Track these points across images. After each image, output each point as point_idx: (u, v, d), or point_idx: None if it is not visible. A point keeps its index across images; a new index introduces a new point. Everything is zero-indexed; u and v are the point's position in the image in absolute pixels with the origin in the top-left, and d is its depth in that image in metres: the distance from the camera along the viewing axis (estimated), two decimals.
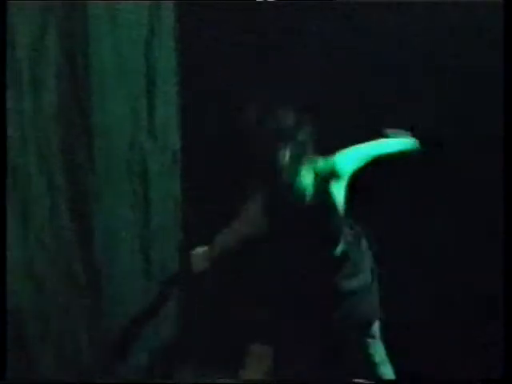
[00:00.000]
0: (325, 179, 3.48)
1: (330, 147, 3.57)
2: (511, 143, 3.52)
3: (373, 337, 3.76)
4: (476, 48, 4.02)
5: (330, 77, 4.17)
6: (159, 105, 4.14)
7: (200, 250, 3.97)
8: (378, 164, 3.71)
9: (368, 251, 3.72)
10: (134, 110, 3.99)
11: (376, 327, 3.76)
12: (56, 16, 3.49)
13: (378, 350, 3.78)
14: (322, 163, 3.51)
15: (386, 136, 3.85)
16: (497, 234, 3.69)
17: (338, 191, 3.50)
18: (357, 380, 3.75)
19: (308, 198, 3.45)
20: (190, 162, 4.36)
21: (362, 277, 3.64)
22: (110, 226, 3.87)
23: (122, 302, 3.99)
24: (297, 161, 3.41)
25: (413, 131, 3.92)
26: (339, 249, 3.55)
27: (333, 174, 3.48)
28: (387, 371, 3.80)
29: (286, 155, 3.38)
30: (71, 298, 3.71)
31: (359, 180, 3.64)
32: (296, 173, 3.42)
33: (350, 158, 3.57)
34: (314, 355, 3.91)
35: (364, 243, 3.70)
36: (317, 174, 3.48)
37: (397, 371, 3.85)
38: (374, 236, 3.79)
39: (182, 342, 4.37)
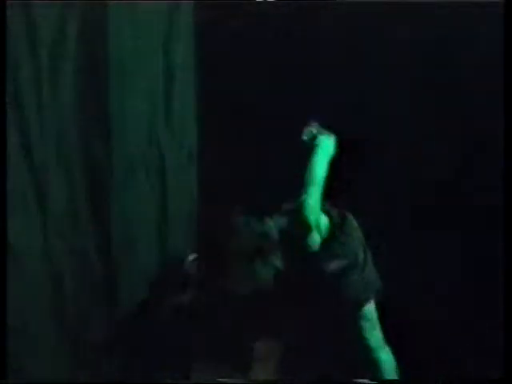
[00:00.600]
0: (304, 242, 3.48)
1: None
2: (511, 143, 3.52)
3: (368, 320, 3.71)
4: (476, 48, 4.03)
5: (330, 76, 4.19)
6: (177, 100, 4.16)
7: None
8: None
9: (357, 230, 3.69)
10: (152, 105, 4.02)
11: (370, 310, 3.70)
12: (76, 10, 3.51)
13: (374, 335, 3.73)
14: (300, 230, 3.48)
15: (310, 137, 3.78)
16: (497, 232, 3.69)
17: (315, 238, 3.50)
18: (359, 380, 3.72)
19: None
20: (206, 158, 4.36)
21: (351, 256, 3.60)
22: (126, 220, 3.88)
23: (138, 295, 3.98)
24: (273, 263, 3.41)
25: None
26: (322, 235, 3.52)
27: (311, 232, 3.46)
28: (385, 356, 3.75)
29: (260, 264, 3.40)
30: (87, 288, 3.72)
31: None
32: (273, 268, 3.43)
33: (317, 205, 3.50)
34: (310, 343, 3.89)
35: (351, 222, 3.67)
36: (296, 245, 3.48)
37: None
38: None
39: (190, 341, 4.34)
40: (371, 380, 3.72)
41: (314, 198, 3.47)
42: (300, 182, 3.56)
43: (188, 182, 4.34)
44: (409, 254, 4.14)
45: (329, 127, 3.78)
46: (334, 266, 3.52)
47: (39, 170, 3.43)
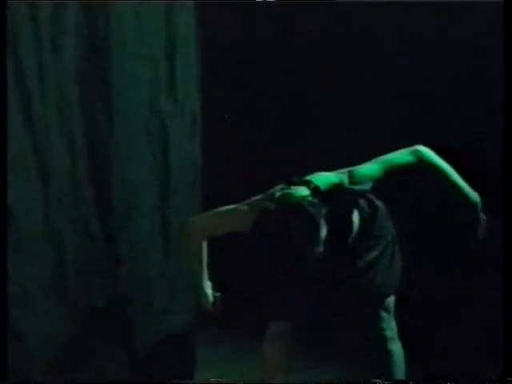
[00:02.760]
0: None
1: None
2: (511, 144, 3.53)
3: (387, 311, 3.73)
4: (476, 48, 4.03)
5: (330, 76, 4.20)
6: (179, 67, 4.11)
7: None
8: None
9: (388, 222, 3.69)
10: (154, 73, 3.99)
11: (391, 301, 3.72)
12: None
13: (391, 326, 3.73)
14: None
15: None
16: (498, 235, 3.69)
17: None
18: (375, 380, 3.72)
19: None
20: (209, 125, 4.30)
21: (383, 247, 3.61)
22: (128, 189, 3.90)
23: (139, 263, 3.98)
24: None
25: None
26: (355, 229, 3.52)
27: None
28: (397, 349, 3.75)
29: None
30: (88, 256, 3.76)
31: None
32: None
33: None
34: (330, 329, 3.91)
35: (382, 213, 3.67)
36: None
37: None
38: None
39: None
40: (384, 380, 3.73)
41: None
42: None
43: (191, 151, 4.25)
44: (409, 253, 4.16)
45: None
46: (366, 259, 3.54)
47: (40, 139, 3.48)
